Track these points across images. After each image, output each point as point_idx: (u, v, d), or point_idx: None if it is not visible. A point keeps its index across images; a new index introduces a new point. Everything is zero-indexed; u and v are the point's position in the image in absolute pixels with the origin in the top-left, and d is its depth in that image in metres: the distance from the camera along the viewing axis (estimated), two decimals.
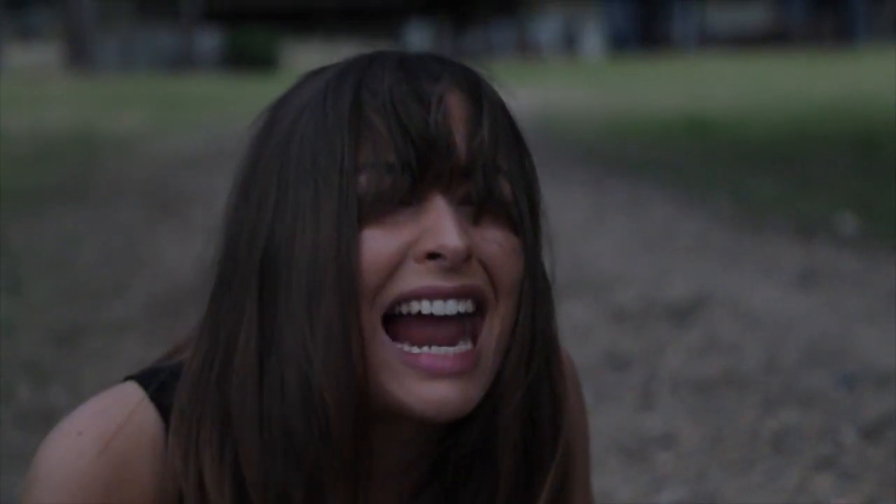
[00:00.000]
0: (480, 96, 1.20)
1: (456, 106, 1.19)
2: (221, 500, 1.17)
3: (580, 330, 5.46)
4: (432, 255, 1.17)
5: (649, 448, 4.23)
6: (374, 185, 1.16)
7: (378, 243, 1.16)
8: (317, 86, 1.20)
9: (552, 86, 22.75)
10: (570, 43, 37.76)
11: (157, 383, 1.23)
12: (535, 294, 1.21)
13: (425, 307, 1.17)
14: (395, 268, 1.17)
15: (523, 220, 1.21)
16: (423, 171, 1.17)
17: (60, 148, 13.70)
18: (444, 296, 1.17)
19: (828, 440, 4.25)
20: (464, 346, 1.18)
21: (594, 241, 7.72)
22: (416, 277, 1.17)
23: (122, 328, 6.06)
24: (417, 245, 1.17)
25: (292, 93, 1.22)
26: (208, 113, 18.67)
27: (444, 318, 1.17)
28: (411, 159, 1.16)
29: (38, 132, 15.15)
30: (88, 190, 10.77)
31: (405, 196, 1.17)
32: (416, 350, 1.17)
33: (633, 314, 5.90)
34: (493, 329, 1.20)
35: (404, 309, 1.17)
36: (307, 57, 36.99)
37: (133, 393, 1.23)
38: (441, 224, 1.16)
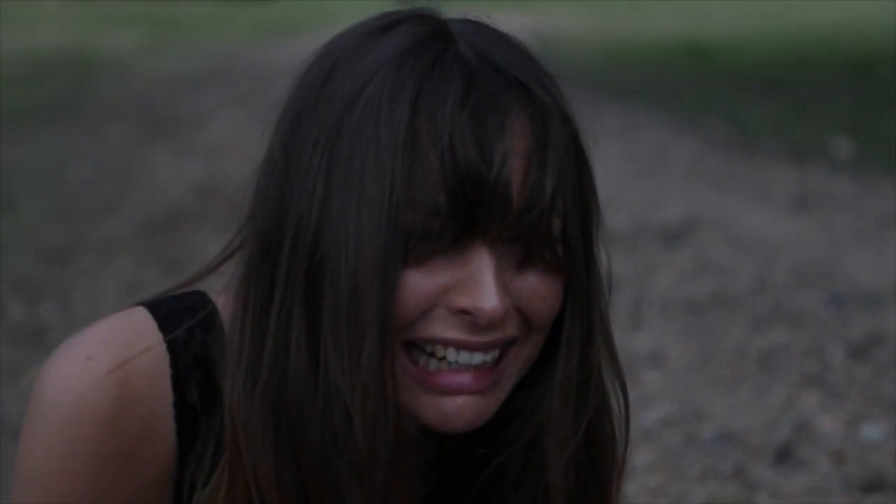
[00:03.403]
0: (547, 134, 1.12)
1: (520, 137, 1.11)
2: (280, 496, 1.13)
3: None
4: (466, 311, 1.12)
5: (638, 366, 4.25)
6: (421, 225, 1.10)
7: (416, 287, 1.11)
8: (373, 65, 1.12)
9: (548, 10, 22.63)
10: None
11: (184, 331, 1.17)
12: (582, 330, 1.17)
13: (451, 355, 1.13)
14: (426, 311, 1.12)
15: (573, 258, 1.14)
16: (472, 222, 1.10)
17: (54, 68, 13.64)
18: (473, 349, 1.13)
19: (815, 359, 4.27)
20: (488, 358, 1.14)
21: None
22: (445, 326, 1.12)
23: (114, 247, 6.06)
24: (452, 294, 1.12)
25: (349, 53, 1.14)
26: (203, 35, 18.59)
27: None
28: (462, 209, 1.09)
29: (33, 52, 15.08)
30: (81, 110, 10.73)
31: (448, 239, 1.11)
32: (433, 366, 1.13)
33: (625, 236, 5.91)
34: (521, 354, 1.16)
35: (428, 348, 1.13)
36: None
37: (144, 321, 1.18)
38: (480, 281, 1.11)
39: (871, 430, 3.65)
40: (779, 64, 12.76)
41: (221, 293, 1.21)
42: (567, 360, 1.17)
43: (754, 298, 4.98)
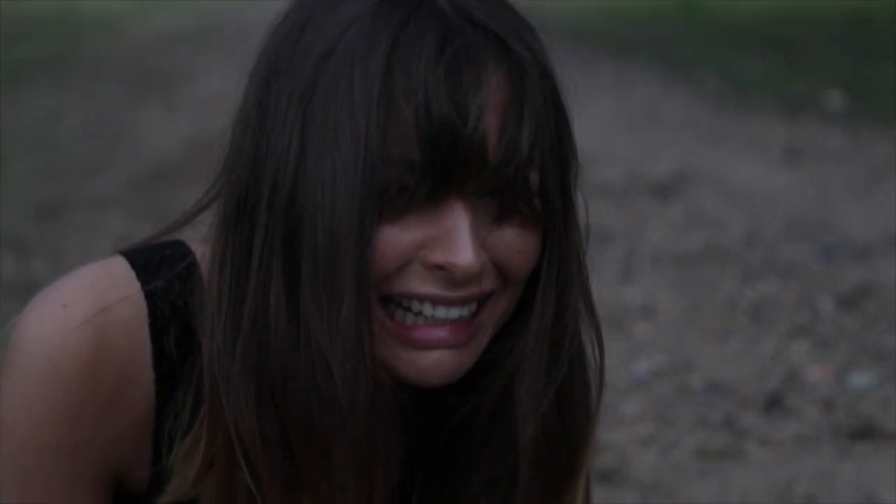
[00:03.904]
0: (524, 88, 1.10)
1: (496, 91, 1.09)
2: (265, 452, 1.13)
3: None
4: (441, 267, 1.11)
5: (629, 318, 4.26)
6: (396, 181, 1.08)
7: (392, 242, 1.10)
8: (348, 18, 1.11)
9: None
10: None
11: (162, 281, 1.16)
12: (559, 282, 1.15)
13: (427, 310, 1.12)
14: (402, 266, 1.11)
15: (551, 212, 1.13)
16: (447, 177, 1.09)
17: (45, 26, 13.59)
18: (449, 304, 1.12)
19: (805, 309, 4.29)
20: (464, 312, 1.13)
21: (578, 120, 7.70)
22: (421, 282, 1.11)
23: (105, 203, 6.06)
24: (427, 249, 1.11)
25: (323, 4, 1.13)
26: None
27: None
28: (437, 165, 1.08)
29: (24, 11, 15.02)
30: (72, 67, 10.70)
31: (423, 195, 1.10)
32: (409, 320, 1.13)
33: (617, 190, 5.91)
34: (497, 307, 1.15)
35: (404, 303, 1.12)
36: None
37: (122, 270, 1.16)
38: (455, 237, 1.10)
39: (860, 379, 3.66)
40: (771, 18, 12.73)
41: (201, 243, 1.20)
42: (542, 312, 1.16)
43: (745, 250, 4.99)
